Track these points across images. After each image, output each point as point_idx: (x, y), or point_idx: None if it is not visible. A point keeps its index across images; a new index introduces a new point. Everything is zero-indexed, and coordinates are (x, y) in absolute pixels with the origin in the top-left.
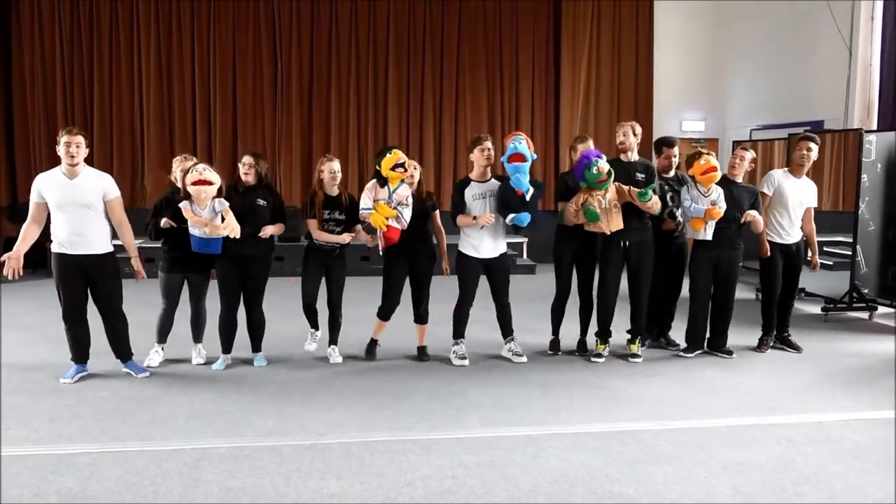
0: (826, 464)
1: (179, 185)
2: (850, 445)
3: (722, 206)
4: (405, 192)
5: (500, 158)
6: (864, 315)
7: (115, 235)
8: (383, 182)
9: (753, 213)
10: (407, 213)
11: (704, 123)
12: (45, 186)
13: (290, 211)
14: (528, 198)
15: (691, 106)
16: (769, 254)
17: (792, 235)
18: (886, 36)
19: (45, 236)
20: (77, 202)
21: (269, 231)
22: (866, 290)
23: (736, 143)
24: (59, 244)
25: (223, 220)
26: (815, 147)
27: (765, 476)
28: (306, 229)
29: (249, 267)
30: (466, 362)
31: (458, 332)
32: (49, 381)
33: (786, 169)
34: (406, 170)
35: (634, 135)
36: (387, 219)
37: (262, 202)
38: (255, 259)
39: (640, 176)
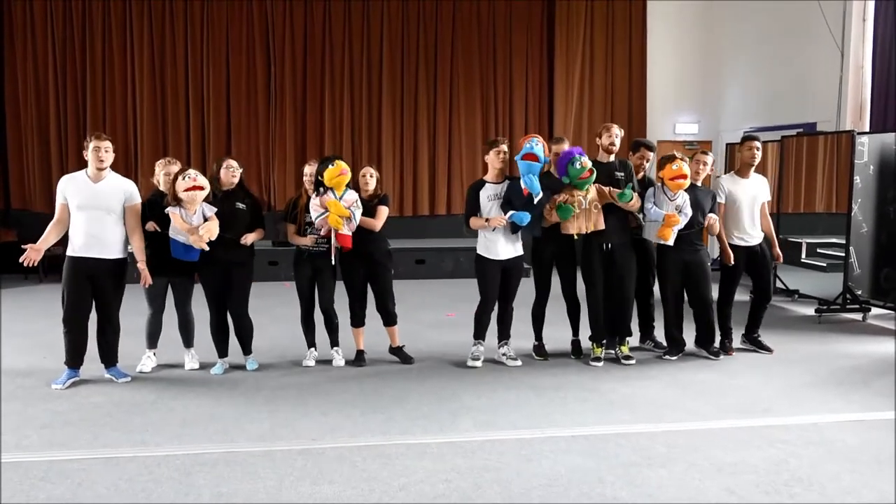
0: (819, 465)
1: (162, 188)
2: (843, 447)
3: (687, 213)
4: (353, 197)
5: (514, 158)
6: (858, 316)
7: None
8: (326, 190)
9: (713, 216)
10: (357, 215)
11: (698, 126)
12: (69, 188)
13: (281, 215)
14: (535, 201)
15: (685, 108)
16: (732, 262)
17: (754, 237)
18: (878, 37)
19: (35, 240)
20: (99, 205)
21: (250, 239)
22: (859, 292)
23: (729, 146)
24: (74, 248)
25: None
26: (759, 146)
27: (758, 478)
28: (285, 234)
29: (231, 272)
30: (479, 364)
31: (479, 334)
32: (41, 387)
33: (732, 173)
34: (346, 172)
35: (619, 137)
36: (341, 218)
37: (241, 206)
38: (237, 264)
39: (619, 175)
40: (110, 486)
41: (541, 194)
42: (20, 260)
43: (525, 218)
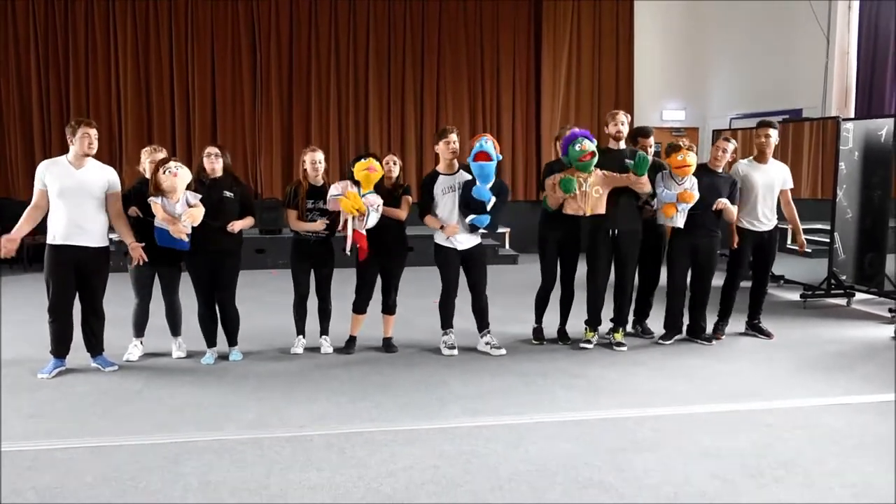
0: (804, 449)
1: (148, 175)
2: (827, 430)
3: (696, 193)
4: (376, 200)
5: (466, 158)
6: (842, 302)
7: (110, 229)
8: (356, 184)
9: (724, 201)
10: (373, 219)
11: (685, 113)
12: (49, 174)
13: (271, 202)
14: (488, 208)
15: (671, 95)
16: (736, 246)
17: (765, 224)
18: (864, 24)
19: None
20: (81, 192)
21: (237, 226)
22: (844, 277)
23: (716, 133)
24: (55, 236)
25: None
26: (773, 132)
27: (743, 461)
28: (287, 220)
29: (219, 261)
30: (455, 352)
31: (446, 323)
32: (26, 376)
33: (750, 158)
34: (376, 170)
35: (626, 124)
36: (356, 210)
37: (229, 194)
38: (225, 253)
39: (629, 162)
40: (97, 475)
41: (493, 200)
42: None
43: (484, 221)
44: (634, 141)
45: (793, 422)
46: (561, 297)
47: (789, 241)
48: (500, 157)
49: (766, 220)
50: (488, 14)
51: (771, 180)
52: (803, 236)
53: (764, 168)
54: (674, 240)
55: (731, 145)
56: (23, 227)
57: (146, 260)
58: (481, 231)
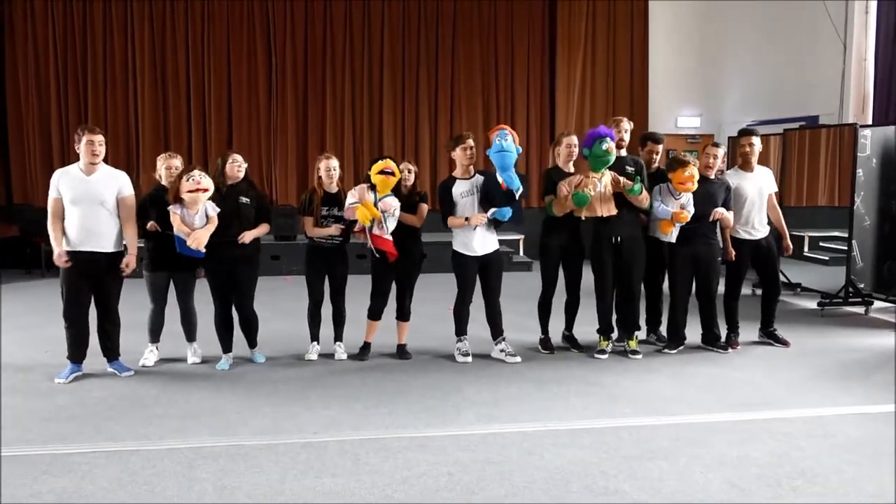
0: (821, 458)
1: (164, 182)
2: (845, 440)
3: (690, 210)
4: (393, 203)
5: (484, 152)
6: (860, 310)
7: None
8: (372, 187)
9: (721, 210)
10: (391, 223)
11: (700, 119)
12: (62, 181)
13: (286, 209)
14: (517, 195)
15: (686, 102)
16: (733, 258)
17: (759, 231)
18: (881, 30)
19: (37, 235)
20: (92, 199)
21: (249, 237)
22: (862, 285)
23: (731, 139)
24: (70, 242)
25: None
26: (756, 140)
27: (760, 470)
28: (303, 227)
29: (236, 268)
30: (469, 359)
31: (461, 330)
32: (43, 381)
33: (736, 167)
34: (394, 174)
35: (629, 131)
36: (371, 220)
37: (245, 200)
38: (242, 260)
39: (630, 170)
40: (113, 480)
41: (521, 189)
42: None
43: (507, 213)
44: (644, 145)
45: (810, 431)
46: (566, 302)
47: (806, 249)
48: (520, 150)
49: (761, 227)
50: (502, 17)
51: (760, 187)
52: (789, 240)
53: (751, 176)
54: (673, 251)
55: (721, 150)
56: (57, 238)
57: (133, 268)
58: (498, 240)
